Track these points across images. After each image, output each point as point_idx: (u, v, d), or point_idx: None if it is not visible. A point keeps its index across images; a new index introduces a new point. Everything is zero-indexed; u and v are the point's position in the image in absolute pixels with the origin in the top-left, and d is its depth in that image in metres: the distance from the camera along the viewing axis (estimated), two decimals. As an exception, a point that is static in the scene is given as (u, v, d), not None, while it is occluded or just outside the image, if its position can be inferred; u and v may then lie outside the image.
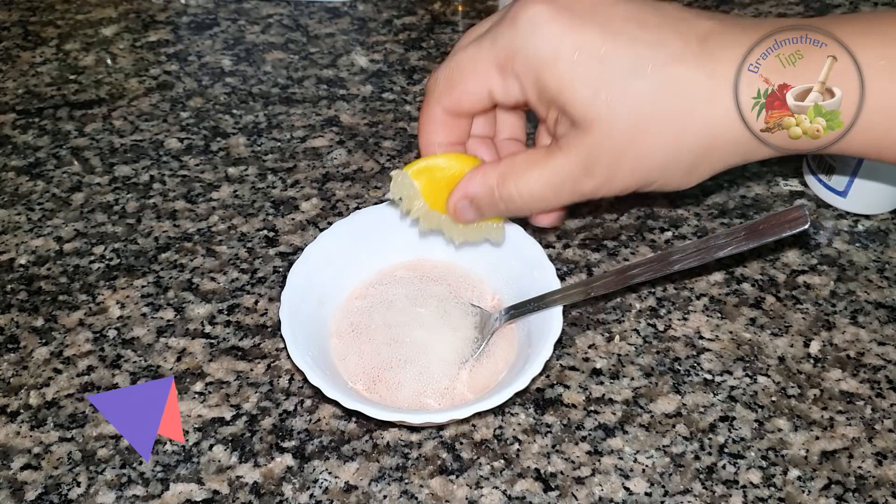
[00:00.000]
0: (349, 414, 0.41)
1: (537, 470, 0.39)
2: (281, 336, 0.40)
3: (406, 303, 0.44)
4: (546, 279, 0.42)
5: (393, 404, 0.40)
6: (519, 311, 0.41)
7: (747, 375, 0.43)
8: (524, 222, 0.43)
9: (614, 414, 0.41)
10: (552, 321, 0.39)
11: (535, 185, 0.35)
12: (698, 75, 0.31)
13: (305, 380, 0.38)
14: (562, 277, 0.48)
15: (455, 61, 0.36)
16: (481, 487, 0.39)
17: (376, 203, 0.48)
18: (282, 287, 0.42)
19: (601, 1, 0.33)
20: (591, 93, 0.32)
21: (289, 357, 0.39)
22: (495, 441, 0.40)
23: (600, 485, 0.39)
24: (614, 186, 0.34)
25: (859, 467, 0.39)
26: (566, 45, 0.32)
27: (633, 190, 0.35)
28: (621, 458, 0.40)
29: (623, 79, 0.31)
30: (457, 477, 0.39)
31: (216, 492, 0.39)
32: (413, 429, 0.41)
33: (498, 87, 0.35)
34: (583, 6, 0.33)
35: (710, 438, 0.40)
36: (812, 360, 0.44)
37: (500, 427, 0.41)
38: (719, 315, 0.46)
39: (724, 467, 0.39)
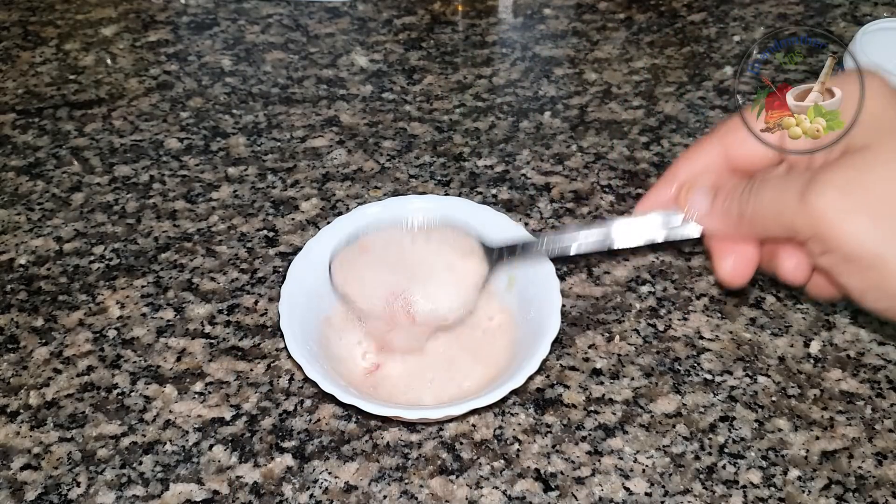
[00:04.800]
0: (349, 414, 0.41)
1: (537, 470, 0.39)
2: (281, 334, 0.40)
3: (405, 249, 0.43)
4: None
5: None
6: (514, 252, 0.40)
7: (747, 375, 0.43)
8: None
9: (614, 414, 0.41)
10: (550, 320, 0.39)
11: None
12: None
13: (305, 378, 0.38)
14: (562, 277, 0.48)
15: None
16: (481, 487, 0.39)
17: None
18: (282, 286, 0.42)
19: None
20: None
21: (288, 354, 0.39)
22: (495, 441, 0.40)
23: (600, 485, 0.39)
24: None
25: (859, 467, 0.39)
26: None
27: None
28: (621, 459, 0.40)
29: None
30: (457, 477, 0.39)
31: (216, 492, 0.39)
32: (412, 427, 0.41)
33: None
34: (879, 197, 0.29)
35: (710, 438, 0.40)
36: (812, 360, 0.44)
37: (500, 427, 0.41)
38: (719, 315, 0.46)
39: (724, 467, 0.39)
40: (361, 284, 0.40)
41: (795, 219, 0.30)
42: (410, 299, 0.40)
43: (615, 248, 0.37)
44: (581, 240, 0.38)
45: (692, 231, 0.36)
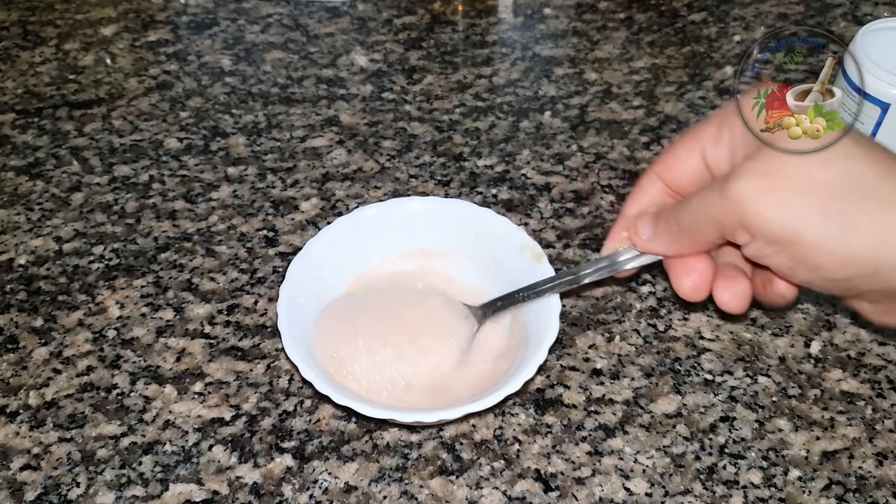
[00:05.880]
0: (349, 414, 0.41)
1: (537, 470, 0.39)
2: (279, 333, 0.40)
3: (400, 294, 0.44)
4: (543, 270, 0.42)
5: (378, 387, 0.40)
6: (497, 306, 0.42)
7: (748, 376, 0.43)
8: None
9: (615, 414, 0.41)
10: (549, 325, 0.39)
11: None
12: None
13: (305, 379, 0.38)
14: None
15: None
16: (481, 488, 0.38)
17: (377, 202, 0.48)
18: (281, 286, 0.42)
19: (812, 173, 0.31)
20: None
21: (286, 355, 0.39)
22: (495, 441, 0.40)
23: (601, 485, 0.39)
24: None
25: (860, 467, 0.39)
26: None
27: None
28: (622, 459, 0.40)
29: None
30: (457, 477, 0.39)
31: (216, 492, 0.39)
32: (411, 428, 0.41)
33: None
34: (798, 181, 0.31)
35: (710, 439, 0.40)
36: (813, 361, 0.44)
37: (501, 427, 0.41)
38: (720, 315, 0.46)
39: (724, 468, 0.39)
40: (353, 349, 0.41)
41: (720, 213, 0.32)
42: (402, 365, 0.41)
43: (584, 283, 0.40)
44: (555, 284, 0.40)
45: (648, 259, 0.38)
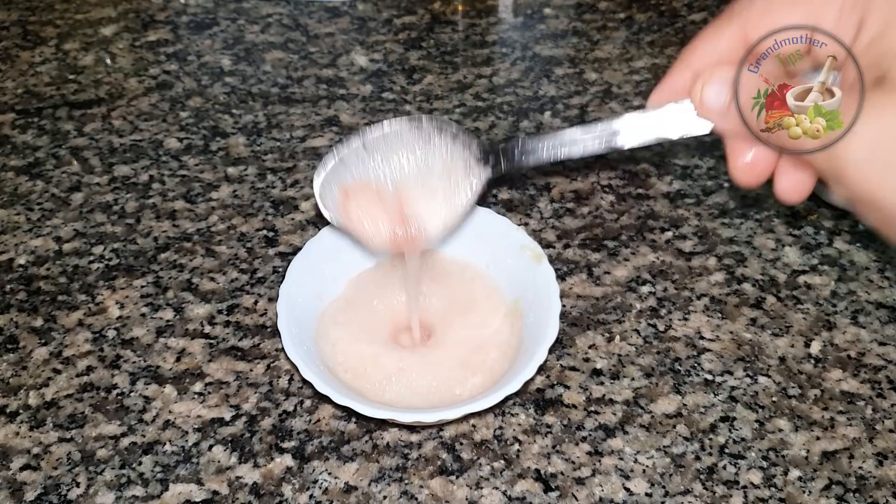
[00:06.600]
0: (349, 414, 0.41)
1: (537, 470, 0.39)
2: (279, 333, 0.39)
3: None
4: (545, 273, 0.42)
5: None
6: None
7: (748, 376, 0.43)
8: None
9: (615, 414, 0.41)
10: (549, 325, 0.39)
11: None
12: None
13: (305, 379, 0.38)
14: (562, 278, 0.48)
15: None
16: (481, 488, 0.38)
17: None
18: (281, 286, 0.42)
19: None
20: None
21: (286, 355, 0.39)
22: (495, 441, 0.40)
23: (601, 485, 0.39)
24: None
25: (860, 468, 0.39)
26: None
27: None
28: (622, 459, 0.39)
29: None
30: (457, 477, 0.39)
31: (216, 492, 0.39)
32: (411, 428, 0.41)
33: (829, 20, 0.29)
34: None
35: (710, 439, 0.40)
36: (813, 361, 0.44)
37: (501, 427, 0.41)
38: (720, 315, 0.46)
39: (724, 468, 0.39)
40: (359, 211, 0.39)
41: (822, 165, 0.29)
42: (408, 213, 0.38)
43: (624, 147, 0.34)
44: (586, 139, 0.34)
45: (705, 127, 0.33)
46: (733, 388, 0.42)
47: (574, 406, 0.42)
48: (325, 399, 0.38)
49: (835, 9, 0.30)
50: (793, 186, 0.33)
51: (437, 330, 0.43)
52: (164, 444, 0.41)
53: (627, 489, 0.38)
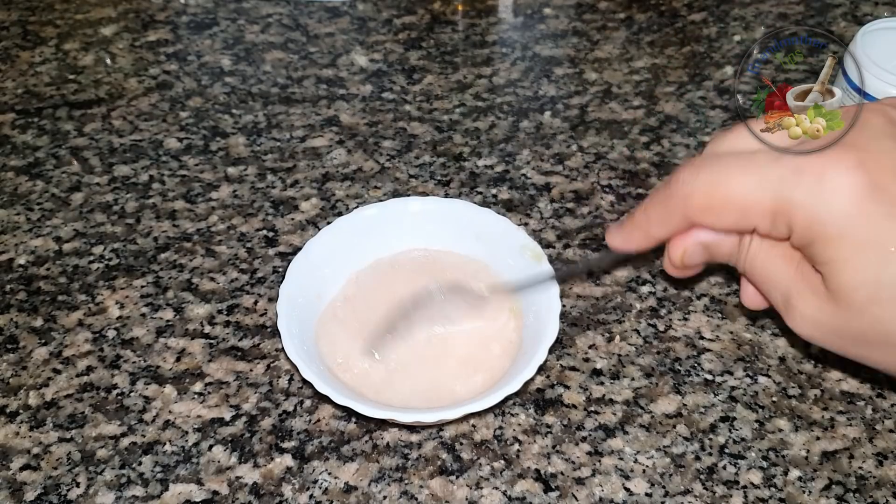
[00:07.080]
0: (349, 414, 0.41)
1: (537, 470, 0.39)
2: (279, 333, 0.40)
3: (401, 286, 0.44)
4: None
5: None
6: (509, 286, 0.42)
7: (748, 376, 0.43)
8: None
9: (615, 414, 0.41)
10: (549, 325, 0.39)
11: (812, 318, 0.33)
12: None
13: (305, 379, 0.38)
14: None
15: (717, 182, 0.31)
16: (481, 488, 0.38)
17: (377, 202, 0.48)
18: (280, 286, 0.42)
19: None
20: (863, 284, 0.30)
21: (286, 355, 0.39)
22: (495, 441, 0.40)
23: (601, 485, 0.39)
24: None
25: (860, 468, 0.39)
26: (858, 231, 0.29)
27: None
28: (622, 459, 0.39)
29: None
30: (457, 477, 0.39)
31: (216, 492, 0.39)
32: (411, 428, 0.41)
33: (762, 227, 0.32)
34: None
35: (710, 439, 0.40)
36: (813, 361, 0.43)
37: (501, 427, 0.41)
38: (720, 315, 0.46)
39: (724, 468, 0.39)
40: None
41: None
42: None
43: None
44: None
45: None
46: (733, 388, 0.42)
47: (574, 406, 0.42)
48: (325, 399, 0.38)
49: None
50: (758, 302, 0.37)
51: (440, 326, 0.43)
52: (164, 444, 0.41)
53: (627, 489, 0.38)
